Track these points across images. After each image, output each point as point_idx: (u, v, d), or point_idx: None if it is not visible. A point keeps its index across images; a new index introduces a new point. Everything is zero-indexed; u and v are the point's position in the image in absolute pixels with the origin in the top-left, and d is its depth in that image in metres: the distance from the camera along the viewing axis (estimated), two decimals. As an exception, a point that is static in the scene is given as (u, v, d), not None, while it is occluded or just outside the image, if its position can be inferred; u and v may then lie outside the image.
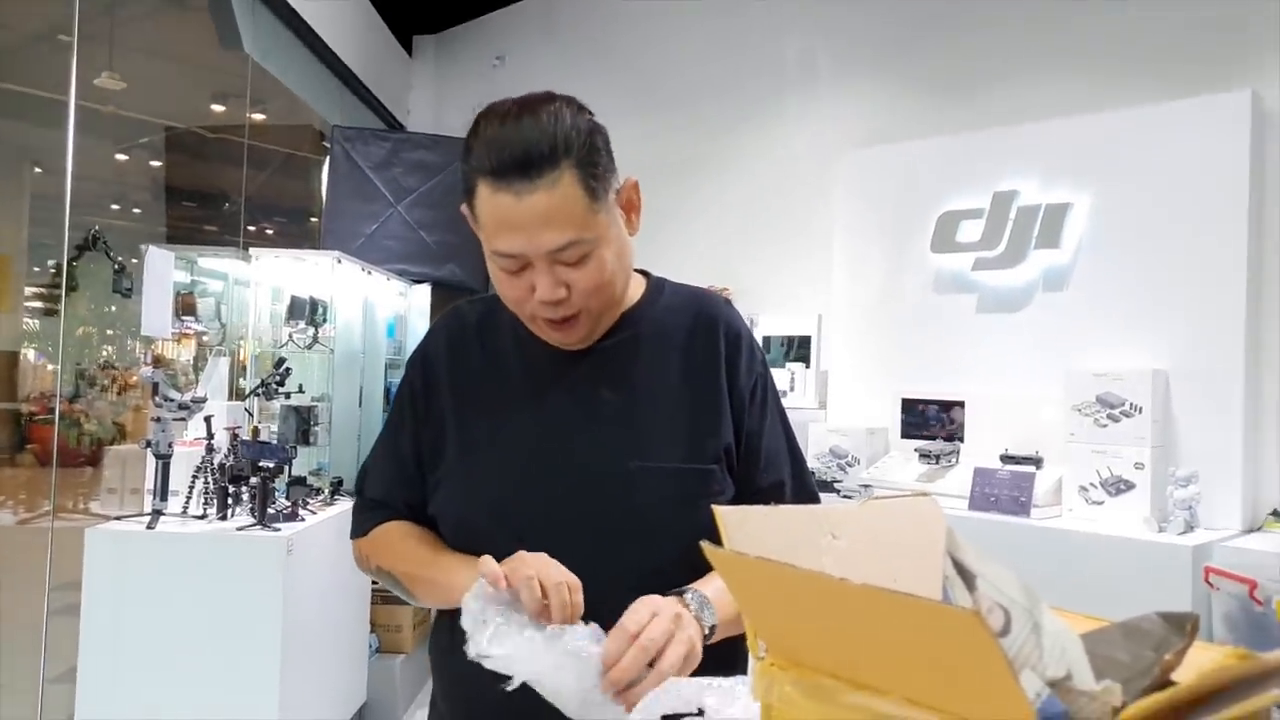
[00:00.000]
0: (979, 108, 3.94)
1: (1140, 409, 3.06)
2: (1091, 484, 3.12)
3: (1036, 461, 3.30)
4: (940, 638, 0.49)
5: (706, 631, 1.05)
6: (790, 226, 4.58)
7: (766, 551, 0.64)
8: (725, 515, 0.69)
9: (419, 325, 5.03)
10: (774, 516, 0.74)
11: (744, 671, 1.24)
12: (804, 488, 1.31)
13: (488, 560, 1.02)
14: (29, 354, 11.16)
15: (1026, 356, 3.53)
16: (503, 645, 0.94)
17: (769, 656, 0.64)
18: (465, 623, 0.97)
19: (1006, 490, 3.21)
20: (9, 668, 3.84)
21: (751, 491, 1.25)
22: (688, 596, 1.07)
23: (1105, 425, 3.13)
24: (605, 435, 1.18)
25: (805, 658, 0.61)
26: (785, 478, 1.28)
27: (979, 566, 0.54)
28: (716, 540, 1.19)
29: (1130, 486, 3.03)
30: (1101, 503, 3.08)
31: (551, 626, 0.97)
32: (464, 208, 1.14)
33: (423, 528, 1.29)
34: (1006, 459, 3.37)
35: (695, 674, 1.01)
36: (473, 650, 0.95)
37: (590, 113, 1.13)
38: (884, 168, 4.09)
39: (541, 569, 1.00)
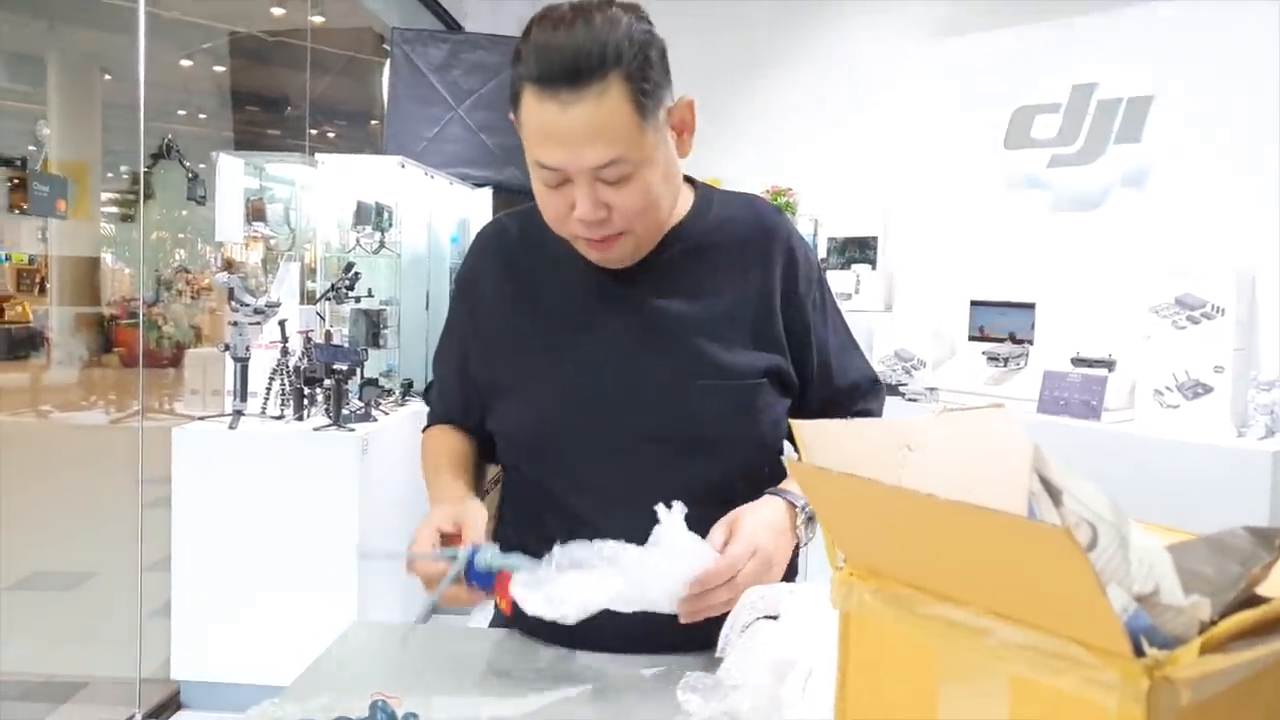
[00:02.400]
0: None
1: (1222, 310, 2.96)
2: (1167, 387, 3.05)
3: (1109, 364, 3.23)
4: (1027, 553, 0.49)
5: (805, 543, 1.11)
6: (855, 125, 4.44)
7: (843, 464, 0.64)
8: (801, 429, 0.69)
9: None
10: (849, 429, 0.74)
11: (793, 578, 1.27)
12: (873, 378, 1.34)
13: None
14: (107, 259, 11.49)
15: (1102, 257, 3.43)
16: (569, 596, 0.96)
17: (848, 566, 0.64)
18: (520, 595, 0.99)
19: (1077, 394, 3.15)
20: (109, 557, 4.08)
21: (829, 396, 1.25)
22: (800, 520, 1.10)
23: (1184, 327, 3.04)
24: (659, 350, 1.17)
25: (885, 569, 0.62)
26: (860, 378, 1.30)
27: (1065, 482, 0.53)
28: (771, 451, 1.21)
29: (1208, 390, 2.96)
30: (1177, 406, 3.02)
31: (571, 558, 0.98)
32: (511, 115, 1.10)
33: (459, 439, 1.33)
34: (1078, 362, 3.31)
35: None
36: (551, 613, 0.96)
37: (650, 23, 1.07)
38: (954, 62, 3.93)
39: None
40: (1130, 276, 3.25)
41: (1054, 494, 0.53)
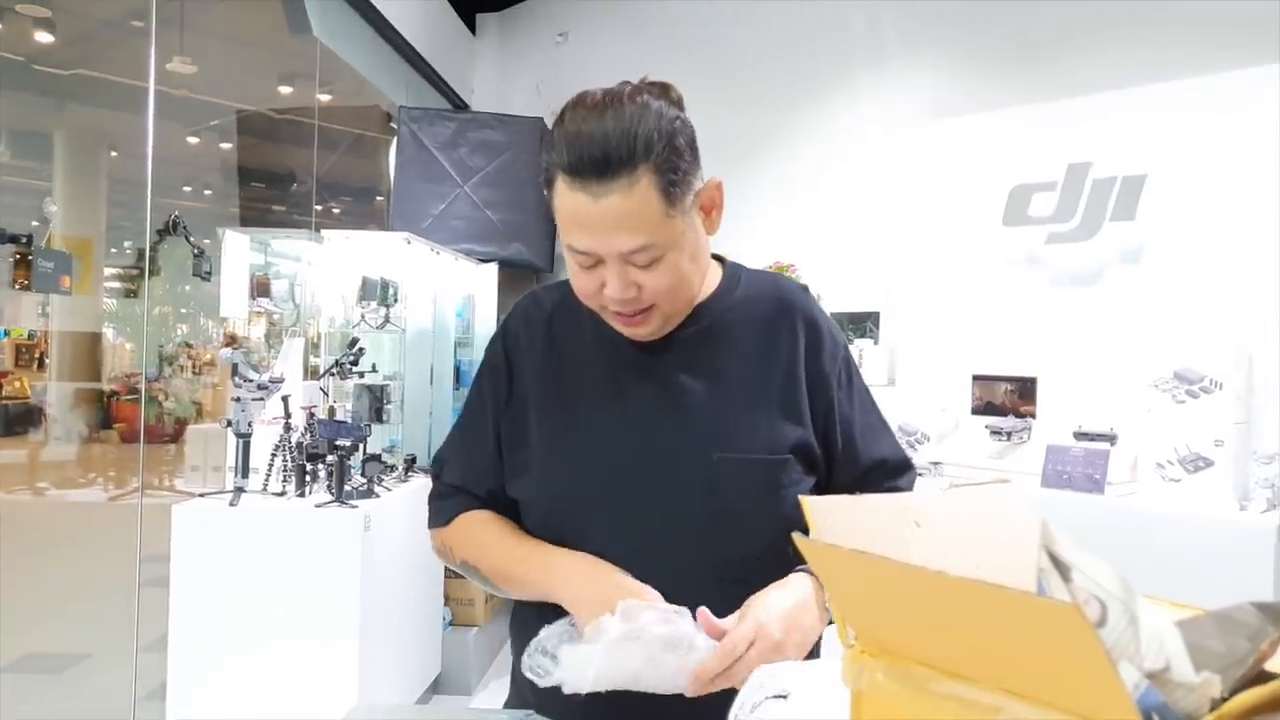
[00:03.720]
0: (1051, 77, 3.85)
1: (1221, 385, 2.99)
2: (1169, 461, 3.06)
3: (1111, 438, 3.24)
4: (1037, 630, 0.50)
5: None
6: (856, 202, 4.53)
7: (853, 540, 0.65)
8: (812, 505, 0.70)
9: (486, 304, 5.09)
10: (859, 506, 0.74)
11: (817, 655, 1.26)
12: (903, 459, 1.31)
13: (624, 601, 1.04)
14: (108, 334, 11.54)
15: (1101, 332, 3.46)
16: (587, 665, 0.96)
17: (859, 644, 0.65)
18: (537, 666, 1.00)
19: (1080, 467, 3.16)
20: (105, 637, 4.02)
21: (854, 475, 1.24)
22: (828, 596, 1.09)
23: (1184, 401, 3.06)
24: (686, 426, 1.18)
25: (896, 647, 0.62)
26: (886, 454, 1.28)
27: (1074, 558, 0.54)
28: (797, 528, 1.21)
29: (1209, 464, 2.97)
30: (1179, 480, 3.02)
31: (596, 630, 0.99)
32: (546, 194, 1.13)
33: (503, 518, 1.29)
34: (1080, 436, 3.32)
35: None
36: (569, 686, 0.97)
37: (681, 106, 1.11)
38: (953, 141, 4.02)
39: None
40: (1129, 350, 3.28)
41: (1063, 570, 0.54)
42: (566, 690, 0.97)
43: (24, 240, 1.93)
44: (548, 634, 1.04)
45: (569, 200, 1.06)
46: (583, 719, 1.07)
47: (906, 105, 4.35)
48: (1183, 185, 3.30)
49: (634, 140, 1.03)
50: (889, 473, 1.28)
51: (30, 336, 12.18)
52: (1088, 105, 3.57)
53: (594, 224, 1.05)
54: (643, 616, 0.99)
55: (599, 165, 1.02)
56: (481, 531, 1.29)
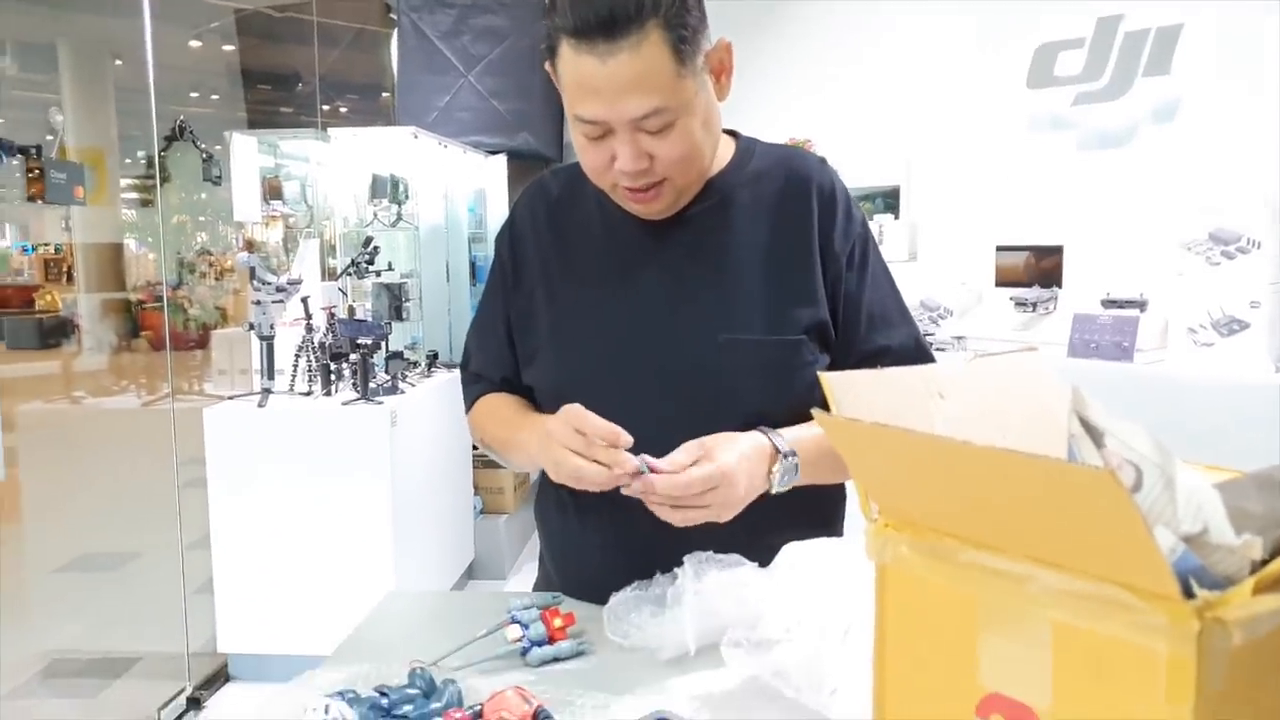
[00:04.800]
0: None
1: (1258, 244, 2.90)
2: (1201, 325, 3.00)
3: (1140, 304, 3.19)
4: (1068, 496, 0.48)
5: (774, 489, 1.07)
6: (872, 71, 4.36)
7: (874, 415, 0.63)
8: (830, 380, 0.67)
9: (497, 197, 5.02)
10: (880, 379, 0.72)
11: (841, 532, 1.26)
12: (921, 353, 1.24)
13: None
14: (130, 244, 11.57)
15: (1131, 196, 3.36)
16: (681, 630, 0.97)
17: (882, 518, 0.63)
18: (617, 630, 1.03)
19: (1108, 335, 3.11)
20: (151, 537, 4.15)
21: (857, 356, 1.19)
22: (777, 469, 1.07)
23: (1218, 263, 2.98)
24: (694, 307, 1.16)
25: (920, 519, 0.60)
26: (893, 342, 1.21)
27: (1107, 423, 0.52)
28: (806, 411, 1.19)
29: (1244, 326, 2.90)
30: (1212, 344, 2.97)
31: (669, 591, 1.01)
32: (547, 66, 1.08)
33: (516, 397, 1.30)
34: (1108, 303, 3.26)
35: (793, 534, 1.03)
36: (669, 652, 0.99)
37: None
38: (973, 1, 3.84)
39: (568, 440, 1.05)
40: (1161, 214, 3.19)
41: (1095, 436, 0.52)
42: (665, 656, 0.99)
43: (34, 151, 1.90)
44: (617, 600, 1.05)
45: (575, 65, 1.01)
46: (604, 589, 1.08)
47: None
48: (1221, 35, 3.14)
49: None
50: (895, 361, 1.18)
51: (57, 250, 12.26)
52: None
53: (602, 88, 1.00)
54: (708, 568, 1.00)
55: (605, 24, 0.97)
56: (491, 411, 1.30)
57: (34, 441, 6.19)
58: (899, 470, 0.61)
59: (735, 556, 1.01)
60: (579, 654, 1.02)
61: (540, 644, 1.01)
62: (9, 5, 9.10)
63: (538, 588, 1.34)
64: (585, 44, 0.99)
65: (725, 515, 1.03)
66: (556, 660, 1.01)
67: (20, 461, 5.18)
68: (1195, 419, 2.75)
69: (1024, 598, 0.53)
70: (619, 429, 1.02)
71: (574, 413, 1.05)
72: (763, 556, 1.01)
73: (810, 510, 1.18)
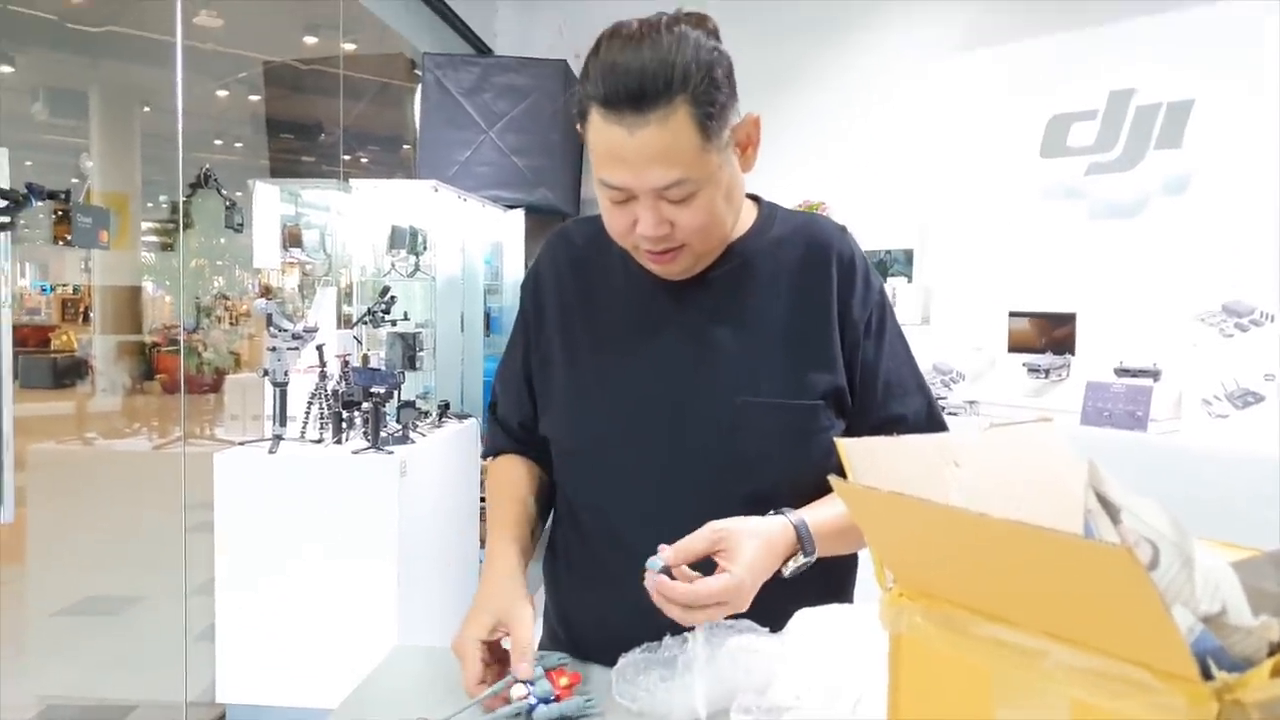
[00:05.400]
0: (1091, 1, 3.70)
1: (1271, 317, 2.90)
2: (1216, 397, 2.99)
3: (1154, 374, 3.18)
4: (1086, 573, 0.48)
5: (786, 574, 1.05)
6: (888, 136, 4.42)
7: (890, 482, 0.63)
8: (848, 447, 0.68)
9: (514, 250, 5.07)
10: (896, 447, 0.72)
11: (851, 599, 1.26)
12: (933, 423, 1.24)
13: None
14: (148, 287, 11.69)
15: (1143, 266, 3.37)
16: (691, 694, 0.97)
17: (898, 587, 0.63)
18: (625, 693, 1.02)
19: (1121, 404, 3.10)
20: (155, 581, 4.13)
21: (872, 425, 1.19)
22: (792, 563, 1.05)
23: (1231, 335, 2.98)
24: (712, 369, 1.16)
25: (936, 590, 0.60)
26: (908, 411, 1.22)
27: (1123, 499, 0.52)
28: (822, 476, 1.18)
29: (1259, 399, 2.90)
30: (1226, 416, 2.96)
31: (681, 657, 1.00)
32: (579, 127, 1.10)
33: (522, 471, 1.32)
34: (1121, 372, 3.25)
35: (804, 601, 1.02)
36: (680, 716, 0.98)
37: (718, 38, 1.07)
38: (988, 71, 3.90)
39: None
40: (1174, 284, 3.20)
41: (1112, 512, 0.52)
42: None
43: (63, 196, 1.95)
44: (626, 662, 1.04)
45: (603, 134, 1.03)
46: (612, 650, 1.07)
47: (939, 34, 4.21)
48: (1231, 110, 3.18)
49: (671, 71, 0.99)
50: (908, 432, 1.18)
51: (75, 291, 12.38)
52: (1130, 30, 3.43)
53: (629, 157, 1.02)
54: (719, 633, 0.99)
55: (635, 97, 0.99)
56: (496, 485, 1.33)
57: (44, 481, 6.19)
58: (915, 539, 0.61)
59: (747, 622, 1.00)
60: (586, 715, 1.01)
61: (546, 701, 1.00)
62: (46, 54, 9.32)
63: (543, 646, 1.33)
64: (614, 114, 1.01)
65: (736, 610, 1.01)
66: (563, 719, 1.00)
67: (29, 501, 5.17)
68: (1209, 491, 2.72)
69: (1040, 673, 0.53)
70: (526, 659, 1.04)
71: (508, 616, 1.08)
72: (774, 622, 1.00)
73: (823, 578, 1.18)
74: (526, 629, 1.07)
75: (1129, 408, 3.07)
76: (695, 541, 1.00)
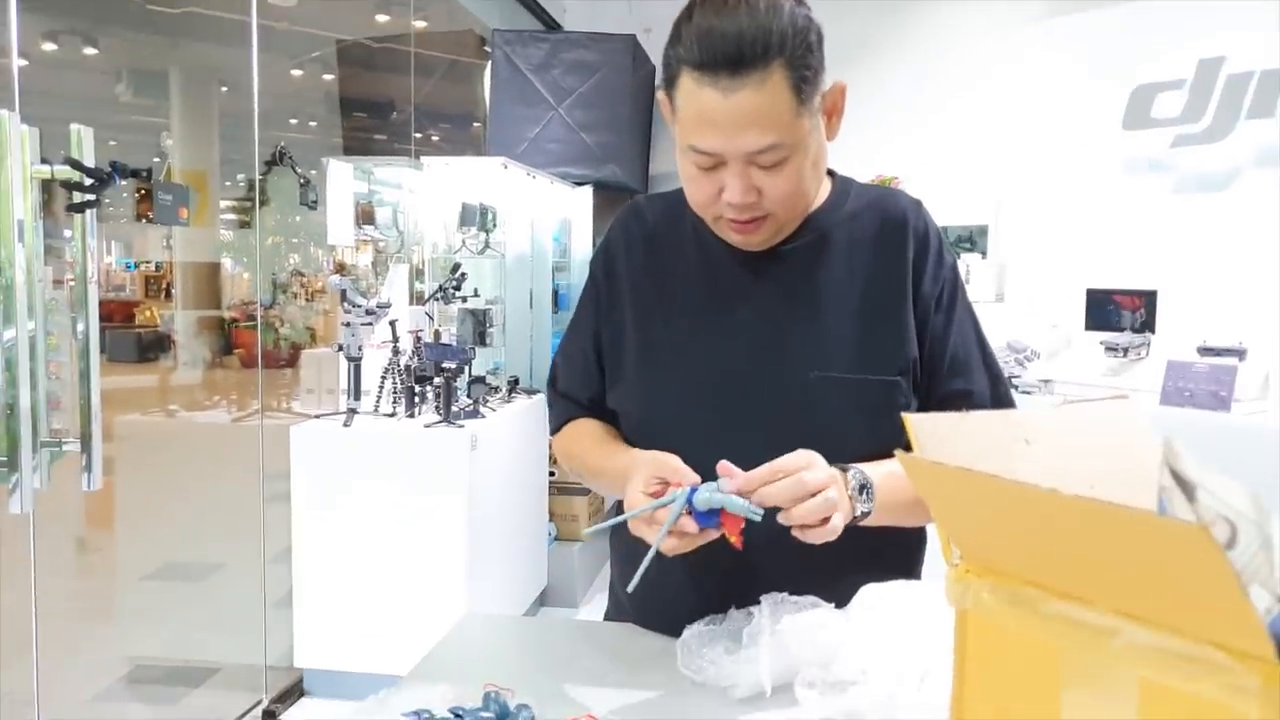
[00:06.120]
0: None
1: (1365, 295, 2.78)
2: (1304, 377, 2.88)
3: (1239, 353, 3.07)
4: (1159, 551, 0.47)
5: (858, 514, 1.04)
6: (964, 109, 4.32)
7: (958, 458, 0.62)
8: (915, 423, 0.67)
9: (582, 227, 5.09)
10: (965, 423, 0.72)
11: (920, 576, 1.24)
12: (999, 401, 1.22)
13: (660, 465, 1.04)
14: (226, 263, 12.02)
15: (1230, 241, 3.25)
16: (756, 668, 0.97)
17: (964, 563, 0.63)
18: (690, 665, 1.02)
19: (1204, 384, 3.00)
20: (235, 549, 4.27)
21: (937, 399, 1.19)
22: (850, 475, 1.05)
23: (1323, 313, 2.87)
24: (787, 343, 1.16)
25: (1003, 566, 0.60)
26: (974, 387, 1.20)
27: (1200, 477, 0.51)
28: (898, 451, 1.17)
29: (1350, 380, 2.78)
30: (1314, 397, 2.85)
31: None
32: (661, 94, 1.10)
33: (602, 423, 1.31)
34: (1204, 351, 3.15)
35: (870, 576, 1.02)
36: (744, 690, 0.98)
37: (808, 6, 1.06)
38: (1068, 38, 3.78)
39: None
40: (1261, 261, 3.08)
41: (1187, 489, 0.51)
42: (739, 695, 0.97)
43: (145, 174, 2.01)
44: (691, 634, 1.04)
45: (696, 97, 1.03)
46: (677, 622, 1.08)
47: (1017, 4, 4.10)
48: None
49: (769, 35, 0.99)
50: (974, 408, 1.16)
51: (158, 268, 12.79)
52: (1220, -5, 3.30)
53: (723, 120, 1.02)
54: (784, 609, 0.99)
55: (733, 60, 0.99)
56: (582, 435, 1.31)
57: (130, 452, 6.44)
58: (983, 516, 0.61)
59: (811, 598, 1.00)
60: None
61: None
62: (129, 36, 9.59)
63: (608, 616, 1.35)
64: (709, 77, 1.01)
65: (837, 502, 0.99)
66: None
67: (116, 470, 5.38)
68: (1296, 475, 2.63)
69: (1110, 652, 0.52)
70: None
71: (666, 462, 1.05)
72: (840, 598, 1.00)
73: (889, 553, 1.17)
74: (686, 468, 1.04)
75: (1212, 388, 2.97)
76: (759, 473, 0.99)
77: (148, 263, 13.33)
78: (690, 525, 0.98)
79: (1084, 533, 0.52)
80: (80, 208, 1.73)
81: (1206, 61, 3.30)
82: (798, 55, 1.01)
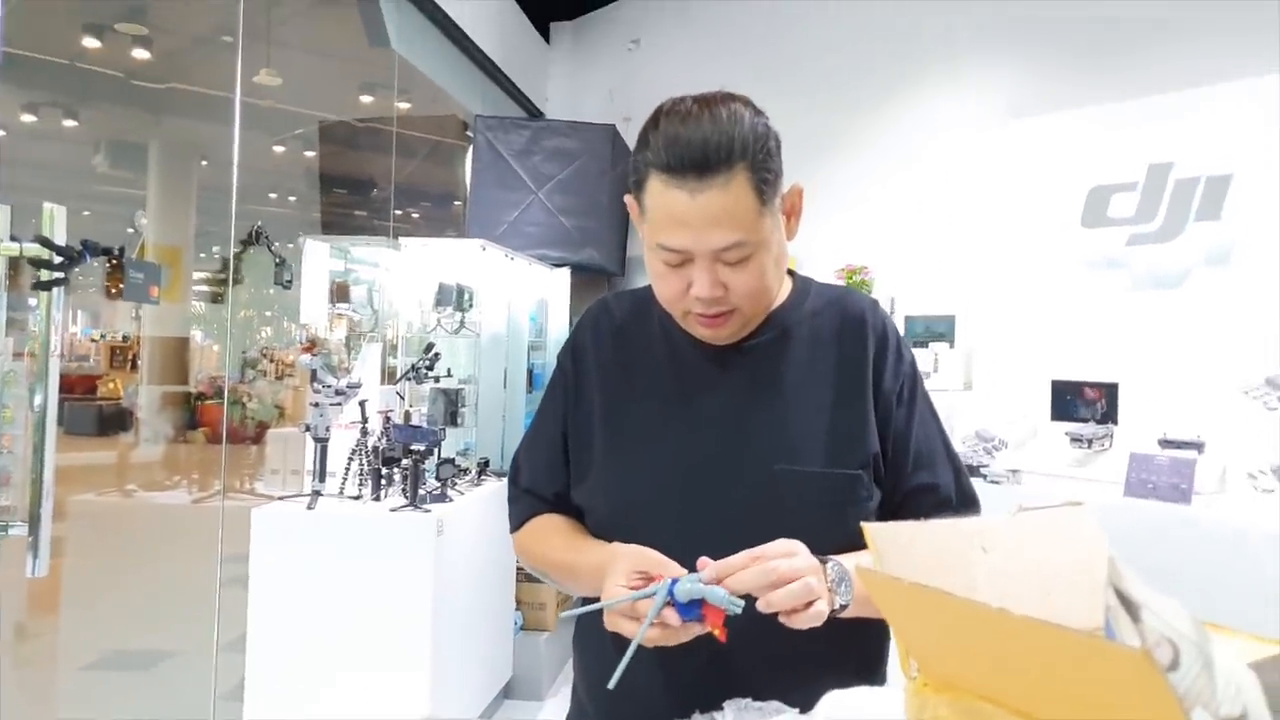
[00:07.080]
0: (1131, 75, 3.73)
1: (1318, 393, 2.86)
2: (1261, 471, 2.93)
3: (1198, 446, 3.12)
4: (1106, 673, 0.48)
5: (836, 607, 1.04)
6: (931, 205, 4.45)
7: (917, 567, 0.64)
8: (874, 532, 0.69)
9: (559, 308, 5.14)
10: (924, 532, 0.73)
11: (884, 679, 1.24)
12: (962, 494, 1.25)
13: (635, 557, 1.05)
14: (196, 336, 11.93)
15: (1186, 336, 3.34)
16: None
17: (921, 677, 0.64)
18: None
19: (1165, 476, 3.05)
20: (187, 636, 4.14)
21: (901, 493, 1.21)
22: (829, 566, 1.06)
23: (1275, 408, 2.94)
24: (752, 435, 1.18)
25: (960, 681, 0.61)
26: (940, 480, 1.23)
27: (1144, 597, 0.52)
28: (861, 547, 1.17)
29: (1306, 476, 2.84)
30: (1273, 491, 2.90)
31: None
32: (629, 198, 1.16)
33: (568, 519, 1.31)
34: (1165, 443, 3.20)
35: (843, 671, 1.02)
36: None
37: (765, 115, 1.13)
38: (1029, 142, 3.93)
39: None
40: (1216, 356, 3.16)
41: (1132, 610, 0.52)
42: None
43: (116, 252, 2.01)
44: None
45: (665, 198, 1.08)
46: None
47: (981, 106, 4.26)
48: (1271, 183, 3.17)
49: (732, 141, 1.06)
50: (939, 504, 1.22)
51: (124, 339, 12.67)
52: (1169, 103, 3.45)
53: (691, 219, 1.07)
54: (747, 715, 0.99)
55: (699, 163, 1.05)
56: (550, 533, 1.31)
57: (82, 533, 6.27)
58: (938, 630, 0.62)
59: (775, 703, 1.00)
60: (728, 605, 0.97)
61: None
62: (110, 109, 9.69)
63: (570, 717, 1.33)
64: (677, 179, 1.06)
65: (817, 588, 1.00)
66: None
67: (66, 552, 5.23)
68: (1256, 567, 2.66)
69: (1062, 770, 0.53)
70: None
71: (648, 555, 1.06)
72: (804, 703, 1.00)
73: (854, 654, 1.17)
74: (669, 561, 1.04)
75: (1173, 480, 3.02)
76: (734, 559, 1.00)
77: (114, 332, 13.21)
78: (673, 617, 0.98)
79: (1034, 652, 0.53)
80: (47, 285, 1.72)
81: (1156, 166, 3.43)
82: (759, 159, 1.07)
